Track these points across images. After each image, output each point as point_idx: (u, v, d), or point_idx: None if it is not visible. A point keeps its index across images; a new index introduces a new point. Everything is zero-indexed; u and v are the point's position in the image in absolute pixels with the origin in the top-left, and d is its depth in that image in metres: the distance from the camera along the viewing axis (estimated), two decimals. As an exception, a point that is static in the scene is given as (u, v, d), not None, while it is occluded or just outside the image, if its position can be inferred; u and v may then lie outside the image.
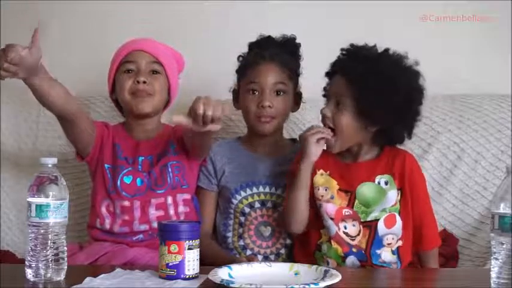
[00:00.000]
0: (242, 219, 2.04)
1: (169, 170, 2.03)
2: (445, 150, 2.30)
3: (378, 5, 2.49)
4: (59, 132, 2.31)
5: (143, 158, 2.04)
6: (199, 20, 2.53)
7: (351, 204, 1.90)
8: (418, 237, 1.92)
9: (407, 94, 1.86)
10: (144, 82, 2.02)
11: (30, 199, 1.54)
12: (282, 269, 1.63)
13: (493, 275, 1.48)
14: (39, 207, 1.52)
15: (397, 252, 1.89)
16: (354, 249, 1.88)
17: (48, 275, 1.53)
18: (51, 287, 1.52)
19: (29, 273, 1.54)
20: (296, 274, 1.60)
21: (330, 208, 1.90)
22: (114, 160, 2.04)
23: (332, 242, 1.89)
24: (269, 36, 2.11)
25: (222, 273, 1.54)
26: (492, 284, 1.48)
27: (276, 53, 2.06)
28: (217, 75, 2.28)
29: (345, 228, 1.89)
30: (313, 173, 1.94)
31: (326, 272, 1.56)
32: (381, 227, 1.87)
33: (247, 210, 2.04)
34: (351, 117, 1.87)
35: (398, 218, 1.89)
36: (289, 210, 1.92)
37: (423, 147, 2.29)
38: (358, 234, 1.88)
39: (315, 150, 1.87)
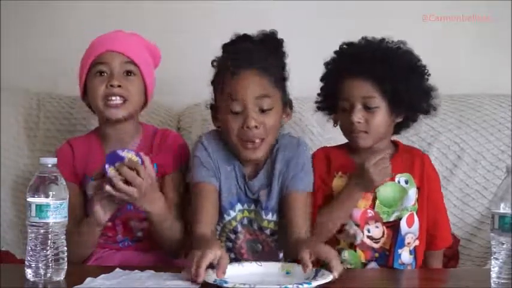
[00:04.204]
0: (233, 236, 1.87)
1: None
2: (445, 150, 2.30)
3: (378, 4, 2.49)
4: (58, 132, 2.33)
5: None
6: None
7: (372, 205, 1.87)
8: (430, 238, 1.92)
9: (423, 72, 1.90)
10: (119, 86, 1.88)
11: (30, 199, 1.53)
12: (273, 269, 1.63)
13: (493, 275, 1.48)
14: (39, 207, 1.52)
15: (414, 252, 1.88)
16: (377, 254, 1.87)
17: (48, 275, 1.53)
18: (51, 287, 1.52)
19: (29, 273, 1.53)
20: (287, 273, 1.61)
21: (355, 213, 1.86)
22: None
23: (357, 248, 1.86)
24: (245, 35, 1.88)
25: (214, 273, 1.54)
26: (492, 284, 1.48)
27: (255, 56, 1.81)
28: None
29: (369, 231, 1.86)
30: (331, 177, 1.91)
31: (317, 271, 1.56)
32: (403, 225, 1.86)
33: (239, 228, 1.87)
34: (385, 116, 1.86)
35: (416, 217, 1.88)
36: (325, 229, 1.84)
37: (423, 147, 2.28)
38: (382, 236, 1.86)
39: (381, 178, 1.81)
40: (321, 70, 1.97)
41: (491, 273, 1.49)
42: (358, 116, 1.84)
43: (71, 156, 1.96)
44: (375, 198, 1.87)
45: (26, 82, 2.47)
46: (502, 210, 1.46)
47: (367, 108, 1.85)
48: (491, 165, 2.28)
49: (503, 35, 2.48)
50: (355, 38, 1.93)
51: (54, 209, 1.52)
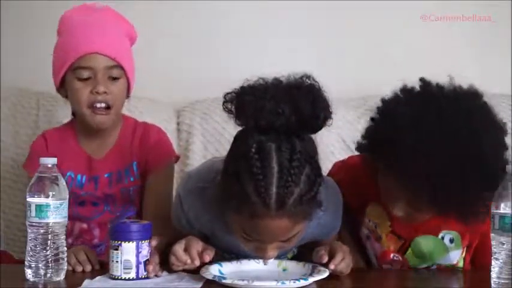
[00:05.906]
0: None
1: (131, 194, 1.88)
2: (445, 150, 2.29)
3: (378, 4, 2.49)
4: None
5: (99, 176, 1.88)
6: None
7: (402, 251, 1.70)
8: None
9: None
10: (104, 92, 1.80)
11: (29, 199, 1.53)
12: (270, 266, 1.62)
13: (494, 275, 1.49)
14: (39, 207, 1.52)
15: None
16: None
17: (48, 275, 1.53)
18: (51, 287, 1.52)
19: (29, 273, 1.53)
20: (284, 270, 1.62)
21: (375, 245, 1.72)
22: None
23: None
24: (274, 118, 1.40)
25: (212, 270, 1.55)
26: (492, 284, 1.48)
27: (289, 201, 1.39)
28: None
29: (391, 266, 1.73)
30: (367, 204, 1.71)
31: (314, 267, 1.58)
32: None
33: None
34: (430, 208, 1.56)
35: (460, 263, 1.73)
36: None
37: (423, 147, 2.28)
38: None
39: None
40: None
41: (491, 273, 1.49)
42: (400, 214, 1.58)
43: (45, 149, 1.90)
44: (408, 246, 1.69)
45: (25, 81, 2.47)
46: (502, 210, 1.46)
47: (409, 203, 1.56)
48: (491, 165, 2.27)
49: (503, 35, 2.48)
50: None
51: (54, 209, 1.52)
